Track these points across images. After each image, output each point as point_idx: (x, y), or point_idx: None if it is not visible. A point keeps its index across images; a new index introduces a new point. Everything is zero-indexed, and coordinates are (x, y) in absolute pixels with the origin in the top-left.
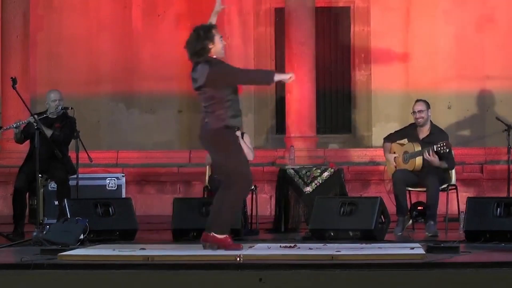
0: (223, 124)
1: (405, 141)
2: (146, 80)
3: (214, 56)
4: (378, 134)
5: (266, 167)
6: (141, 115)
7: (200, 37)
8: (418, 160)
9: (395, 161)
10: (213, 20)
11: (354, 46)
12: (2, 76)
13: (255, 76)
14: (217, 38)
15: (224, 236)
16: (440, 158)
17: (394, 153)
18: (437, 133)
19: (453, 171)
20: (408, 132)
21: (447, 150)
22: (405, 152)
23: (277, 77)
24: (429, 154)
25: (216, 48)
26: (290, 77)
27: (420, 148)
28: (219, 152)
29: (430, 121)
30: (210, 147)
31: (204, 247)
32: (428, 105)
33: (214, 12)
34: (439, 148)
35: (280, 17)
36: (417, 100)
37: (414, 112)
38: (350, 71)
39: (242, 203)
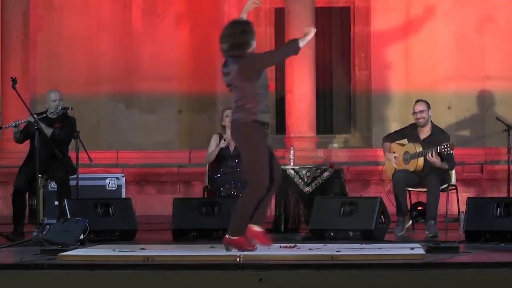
0: (253, 119)
1: (405, 141)
2: (146, 80)
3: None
4: (378, 134)
5: None
6: (141, 115)
7: (246, 32)
8: (420, 161)
9: (396, 163)
10: (244, 16)
11: (354, 46)
12: (2, 76)
13: (282, 52)
14: (255, 35)
15: (237, 237)
16: (442, 159)
17: (394, 153)
18: (438, 134)
19: (453, 171)
20: (408, 132)
21: (451, 152)
22: (406, 153)
23: (302, 43)
24: (431, 155)
25: (254, 45)
26: (312, 32)
27: (421, 149)
28: (244, 147)
29: (431, 121)
30: (238, 142)
31: (226, 249)
32: (428, 105)
33: (246, 8)
34: (442, 150)
35: (280, 17)
36: (418, 100)
37: (414, 113)
38: (350, 71)
39: (254, 205)
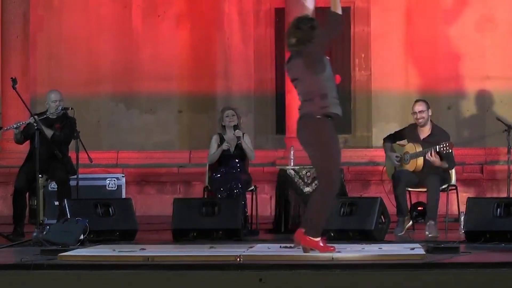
0: (324, 112)
1: (405, 141)
2: (146, 80)
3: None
4: (378, 134)
5: (266, 168)
6: (141, 115)
7: (314, 27)
8: (420, 161)
9: (398, 163)
10: (337, 7)
11: (354, 46)
12: (2, 76)
13: (330, 27)
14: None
15: (318, 238)
16: (441, 158)
17: (394, 153)
18: (438, 133)
19: (453, 171)
20: (409, 132)
21: (450, 151)
22: (406, 153)
23: (339, 9)
24: (431, 155)
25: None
26: None
27: (421, 149)
28: (315, 144)
29: (431, 120)
30: (308, 137)
31: (304, 251)
32: (428, 105)
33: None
34: (441, 149)
35: (280, 17)
36: (417, 100)
37: (414, 113)
38: (350, 71)
39: (331, 203)
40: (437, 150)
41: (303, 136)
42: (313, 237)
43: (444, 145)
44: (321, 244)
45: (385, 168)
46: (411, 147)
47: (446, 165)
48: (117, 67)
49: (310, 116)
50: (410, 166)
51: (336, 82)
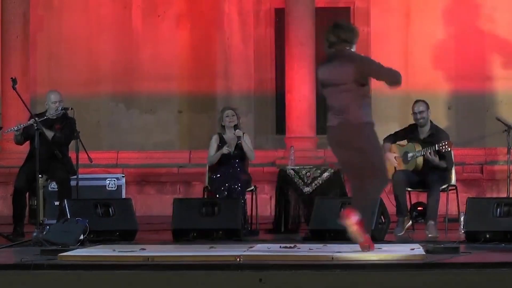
0: (367, 120)
1: (405, 142)
2: (146, 80)
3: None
4: (378, 134)
5: (266, 168)
6: (141, 115)
7: (356, 30)
8: (419, 160)
9: (396, 160)
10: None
11: None
12: (2, 76)
13: (390, 74)
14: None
15: (367, 235)
16: (440, 158)
17: (394, 153)
18: (437, 133)
19: (453, 171)
20: (408, 132)
21: (449, 150)
22: (406, 153)
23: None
24: (430, 154)
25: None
26: None
27: (420, 148)
28: (368, 147)
29: (430, 121)
30: (358, 141)
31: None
32: (427, 105)
33: None
34: (440, 147)
35: (280, 17)
36: (417, 101)
37: (414, 113)
38: None
39: (378, 201)
40: (436, 149)
41: (350, 138)
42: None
43: (443, 144)
44: (369, 240)
45: None
46: (411, 147)
47: (445, 165)
48: (117, 67)
49: (360, 122)
50: (409, 166)
51: None
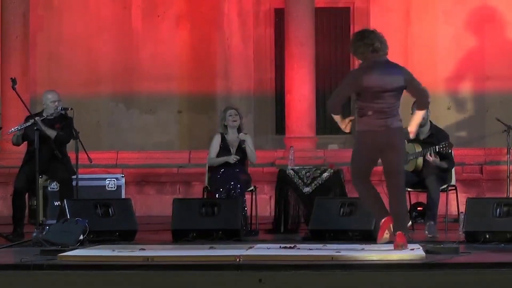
0: (401, 125)
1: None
2: (146, 80)
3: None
4: None
5: (266, 168)
6: (141, 115)
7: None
8: (419, 161)
9: None
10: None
11: None
12: (2, 76)
13: (424, 94)
14: None
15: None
16: (441, 159)
17: None
18: (437, 133)
19: (453, 171)
20: (407, 145)
21: (449, 151)
22: (406, 153)
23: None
24: (430, 155)
25: None
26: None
27: (420, 149)
28: (400, 151)
29: (430, 121)
30: (399, 147)
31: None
32: None
33: None
34: (441, 149)
35: (280, 17)
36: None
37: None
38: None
39: None
40: (436, 150)
41: (397, 144)
42: (406, 233)
43: (444, 145)
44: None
45: None
46: (410, 148)
47: (446, 166)
48: (117, 67)
49: (395, 127)
50: (409, 167)
51: None
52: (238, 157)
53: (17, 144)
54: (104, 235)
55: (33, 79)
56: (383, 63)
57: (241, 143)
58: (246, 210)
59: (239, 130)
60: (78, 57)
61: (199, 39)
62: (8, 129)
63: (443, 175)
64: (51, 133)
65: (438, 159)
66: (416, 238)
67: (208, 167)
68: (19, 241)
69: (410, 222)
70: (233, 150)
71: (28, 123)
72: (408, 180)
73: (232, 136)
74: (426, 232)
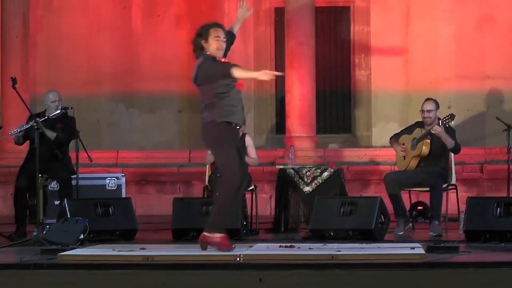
0: (213, 119)
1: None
2: (146, 80)
3: (208, 53)
4: (378, 134)
5: (266, 167)
6: (141, 115)
7: (196, 34)
8: (426, 144)
9: (403, 151)
10: (235, 28)
11: (354, 46)
12: (2, 76)
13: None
14: (211, 37)
15: (220, 235)
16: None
17: (403, 145)
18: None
19: (453, 171)
20: (414, 129)
21: (452, 122)
22: (413, 139)
23: (240, 74)
24: (435, 129)
25: (210, 47)
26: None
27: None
28: (212, 148)
29: (438, 118)
30: (205, 142)
31: (201, 248)
32: (437, 105)
33: (238, 20)
34: (444, 120)
35: (280, 17)
36: (427, 99)
37: (422, 111)
38: (350, 71)
39: (230, 203)
40: (440, 124)
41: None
42: (212, 233)
43: (446, 117)
44: (221, 242)
45: (396, 165)
46: (418, 132)
47: (452, 143)
48: (117, 67)
49: (204, 122)
50: (417, 152)
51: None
52: None
53: (18, 143)
54: (104, 234)
55: (33, 79)
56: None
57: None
58: (247, 209)
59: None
60: (78, 57)
61: None
62: (8, 128)
63: (444, 174)
64: (51, 134)
65: (443, 129)
66: (418, 237)
67: (209, 166)
68: (22, 240)
69: (410, 224)
70: None
71: (28, 125)
72: (402, 180)
73: None
74: (431, 232)
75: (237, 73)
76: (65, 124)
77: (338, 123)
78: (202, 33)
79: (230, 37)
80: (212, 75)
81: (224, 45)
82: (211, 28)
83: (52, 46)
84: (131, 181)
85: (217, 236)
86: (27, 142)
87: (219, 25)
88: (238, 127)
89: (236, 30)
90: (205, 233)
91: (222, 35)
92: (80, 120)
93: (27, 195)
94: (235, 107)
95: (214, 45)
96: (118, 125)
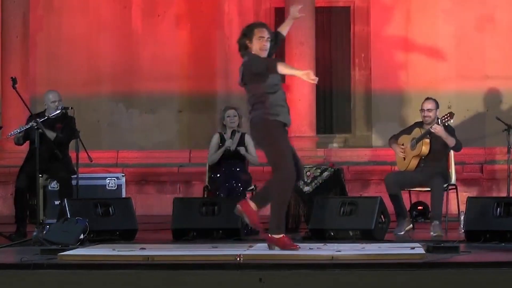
0: (264, 117)
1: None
2: (146, 80)
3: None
4: (378, 134)
5: (266, 167)
6: (141, 115)
7: (241, 34)
8: (425, 144)
9: (403, 152)
10: (284, 29)
11: (354, 46)
12: (2, 76)
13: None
14: (255, 37)
15: (280, 235)
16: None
17: (403, 145)
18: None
19: (453, 171)
20: (413, 130)
21: (451, 121)
22: (413, 139)
23: (284, 69)
24: (435, 128)
25: (254, 46)
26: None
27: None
28: (263, 146)
29: (437, 118)
30: (255, 141)
31: (269, 248)
32: (437, 105)
33: (288, 20)
34: (443, 119)
35: (280, 17)
36: (427, 98)
37: (422, 110)
38: (350, 71)
39: (287, 201)
40: (439, 123)
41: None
42: (276, 234)
43: (446, 115)
44: (284, 241)
45: (395, 167)
46: (417, 132)
47: (453, 141)
48: (117, 67)
49: (252, 121)
50: (416, 151)
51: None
52: (234, 141)
53: (18, 144)
54: (104, 234)
55: (33, 79)
56: None
57: (239, 150)
58: None
59: (238, 131)
60: (78, 57)
61: (199, 39)
62: (8, 128)
63: (445, 174)
64: (51, 135)
65: (443, 128)
66: (418, 237)
67: (209, 166)
68: (22, 240)
69: (411, 225)
70: (232, 148)
71: (28, 126)
72: (402, 181)
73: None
74: (431, 232)
75: (282, 68)
76: (65, 124)
77: (338, 123)
78: (246, 33)
79: (276, 37)
80: (260, 70)
81: (268, 45)
82: (255, 28)
83: (52, 46)
84: (131, 181)
85: (280, 236)
86: (27, 142)
87: (264, 25)
88: (286, 127)
89: (285, 31)
90: (270, 235)
91: (266, 35)
92: (80, 120)
93: (27, 195)
94: (283, 107)
95: (258, 44)
96: (118, 125)
